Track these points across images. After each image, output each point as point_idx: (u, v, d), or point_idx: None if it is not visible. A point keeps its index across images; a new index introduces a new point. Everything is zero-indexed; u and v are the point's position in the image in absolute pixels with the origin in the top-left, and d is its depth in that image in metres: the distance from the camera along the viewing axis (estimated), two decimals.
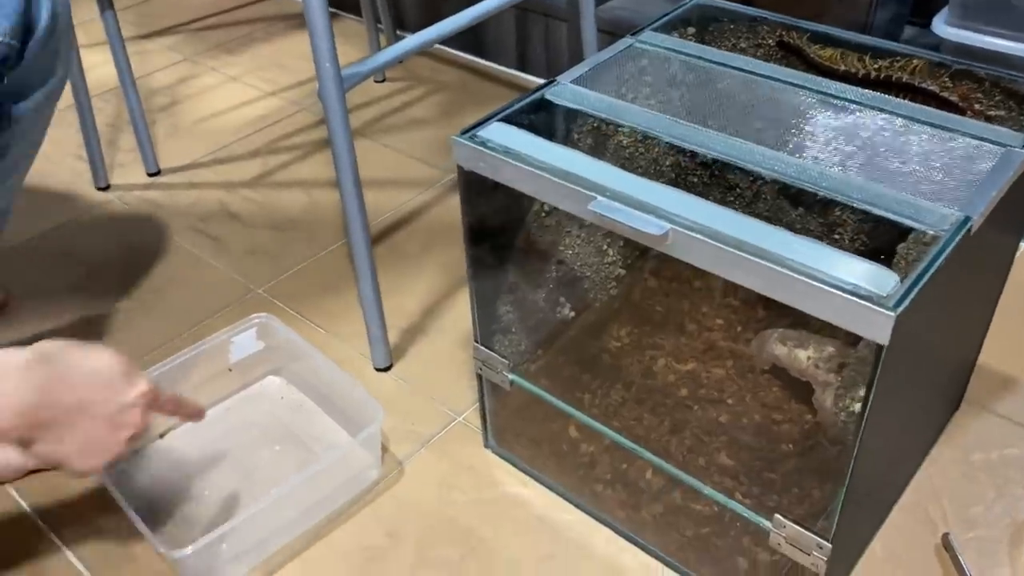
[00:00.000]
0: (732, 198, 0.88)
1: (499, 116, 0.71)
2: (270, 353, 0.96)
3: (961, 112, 0.73)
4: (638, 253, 0.91)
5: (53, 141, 1.41)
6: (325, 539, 0.82)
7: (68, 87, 1.23)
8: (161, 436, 0.91)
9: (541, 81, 0.77)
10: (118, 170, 1.34)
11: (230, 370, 0.94)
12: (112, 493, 0.78)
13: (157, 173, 1.33)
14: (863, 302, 0.52)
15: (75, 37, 0.85)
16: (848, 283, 0.54)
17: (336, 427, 0.91)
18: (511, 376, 0.82)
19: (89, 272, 1.14)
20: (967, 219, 0.58)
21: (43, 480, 0.87)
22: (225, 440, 0.90)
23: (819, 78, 0.76)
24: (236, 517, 0.75)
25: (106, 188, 1.30)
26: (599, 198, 0.62)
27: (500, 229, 0.80)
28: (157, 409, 0.70)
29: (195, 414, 0.78)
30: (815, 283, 0.54)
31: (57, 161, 1.36)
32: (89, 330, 1.05)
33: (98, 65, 1.56)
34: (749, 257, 0.56)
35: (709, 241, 0.57)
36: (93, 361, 0.65)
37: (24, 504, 0.85)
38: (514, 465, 0.88)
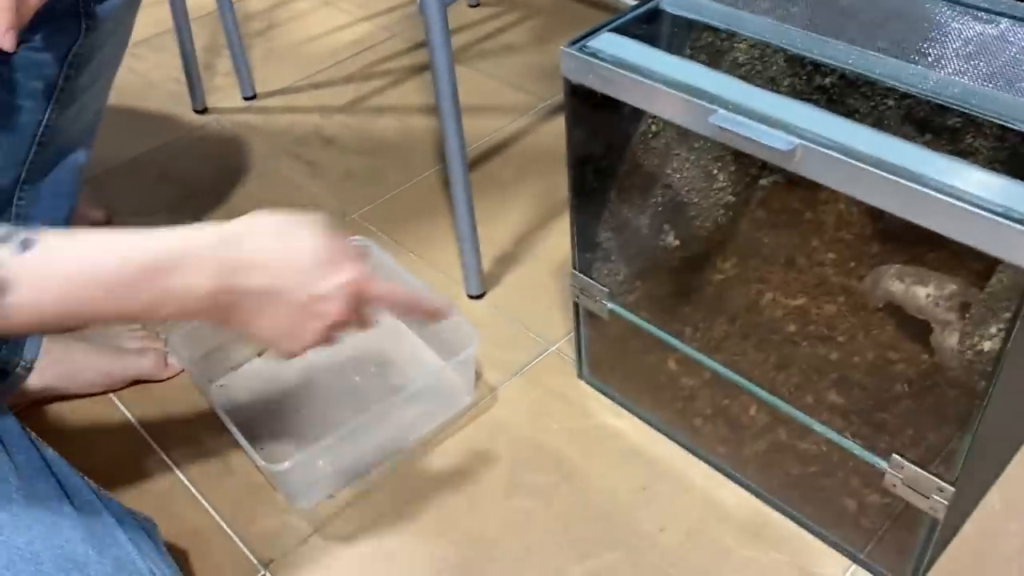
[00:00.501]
0: (862, 111, 0.82)
1: (610, 26, 0.67)
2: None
3: None
4: (749, 179, 0.86)
5: (152, 64, 1.43)
6: (419, 460, 0.81)
7: (168, 10, 1.24)
8: (260, 355, 0.91)
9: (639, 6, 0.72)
10: (215, 94, 1.34)
11: None
12: (213, 407, 0.79)
13: (253, 97, 1.33)
14: (1013, 224, 0.48)
15: None
16: (997, 205, 0.49)
17: (430, 351, 0.91)
18: (609, 305, 0.80)
19: (186, 193, 1.15)
20: None
21: (146, 393, 0.89)
22: (321, 361, 0.90)
23: None
24: (333, 435, 0.75)
25: (203, 111, 1.31)
26: (720, 111, 0.58)
27: (605, 150, 0.77)
28: (374, 303, 0.63)
29: (434, 313, 0.69)
30: (959, 203, 0.49)
31: (156, 84, 1.38)
32: None
33: None
34: (886, 175, 0.52)
35: (842, 158, 0.53)
36: (290, 244, 0.57)
37: (130, 416, 0.87)
38: (609, 397, 0.86)
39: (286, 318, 0.58)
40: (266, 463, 0.72)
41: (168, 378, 0.90)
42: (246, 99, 1.33)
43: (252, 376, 0.90)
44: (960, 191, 0.50)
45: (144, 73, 1.41)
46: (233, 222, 0.57)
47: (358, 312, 0.62)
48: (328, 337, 0.61)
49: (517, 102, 1.27)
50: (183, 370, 0.90)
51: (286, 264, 0.57)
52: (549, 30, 1.43)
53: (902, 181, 0.51)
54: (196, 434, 0.85)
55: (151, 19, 1.54)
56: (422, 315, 0.69)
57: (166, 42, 1.46)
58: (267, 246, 0.57)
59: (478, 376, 0.88)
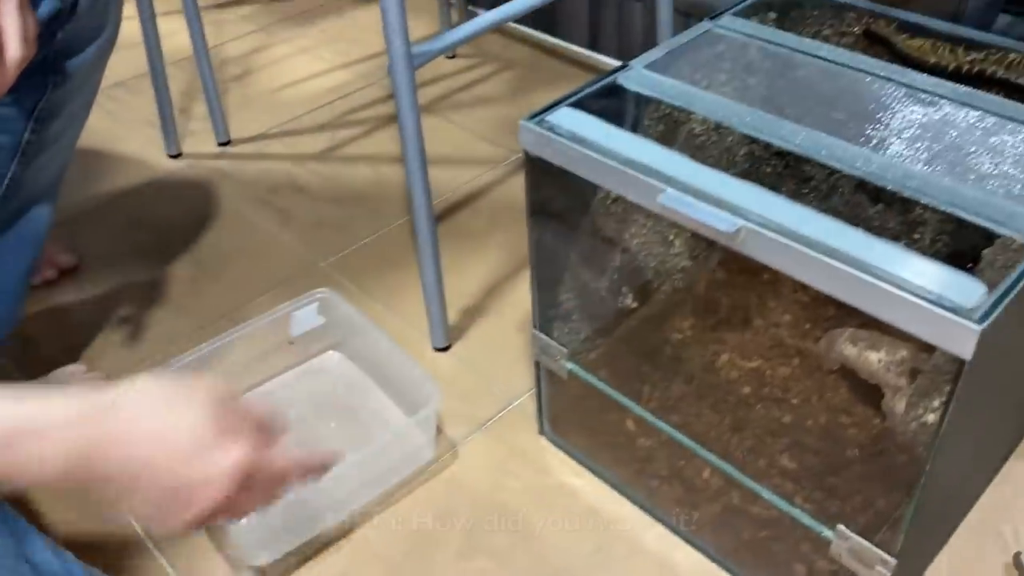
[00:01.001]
0: (807, 191, 0.85)
1: (568, 101, 0.69)
2: (331, 328, 0.96)
3: None
4: (705, 245, 0.88)
5: (127, 107, 1.44)
6: (376, 518, 0.82)
7: (143, 54, 1.25)
8: None
9: (613, 62, 0.75)
10: (189, 138, 1.35)
11: (291, 343, 0.95)
12: None
13: (228, 143, 1.34)
14: (946, 313, 0.50)
15: None
16: (931, 292, 0.51)
17: (393, 405, 0.91)
18: (569, 365, 0.81)
19: (158, 238, 1.16)
20: None
21: None
22: (286, 413, 0.91)
23: (907, 70, 0.72)
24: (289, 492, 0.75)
25: (177, 156, 1.32)
26: (668, 190, 0.59)
27: (564, 214, 0.78)
28: (269, 484, 0.57)
29: (317, 470, 0.63)
30: (894, 290, 0.51)
31: (130, 127, 1.39)
32: (155, 295, 1.07)
33: (174, 33, 1.58)
34: (825, 259, 0.54)
35: (782, 240, 0.55)
36: (169, 419, 0.52)
37: None
38: (568, 454, 0.87)
39: (158, 500, 0.53)
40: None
41: None
42: (220, 145, 1.34)
43: None
44: (896, 277, 0.52)
45: (119, 116, 1.42)
46: (113, 388, 0.52)
47: (255, 492, 0.56)
48: (205, 522, 0.54)
49: (489, 154, 1.29)
50: None
51: (159, 443, 0.51)
52: (524, 84, 1.45)
53: (841, 266, 0.53)
54: None
55: (128, 62, 1.55)
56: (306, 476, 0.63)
57: (142, 85, 1.47)
58: (141, 421, 0.51)
59: (439, 431, 0.89)
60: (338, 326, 0.96)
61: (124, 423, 0.51)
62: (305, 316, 0.95)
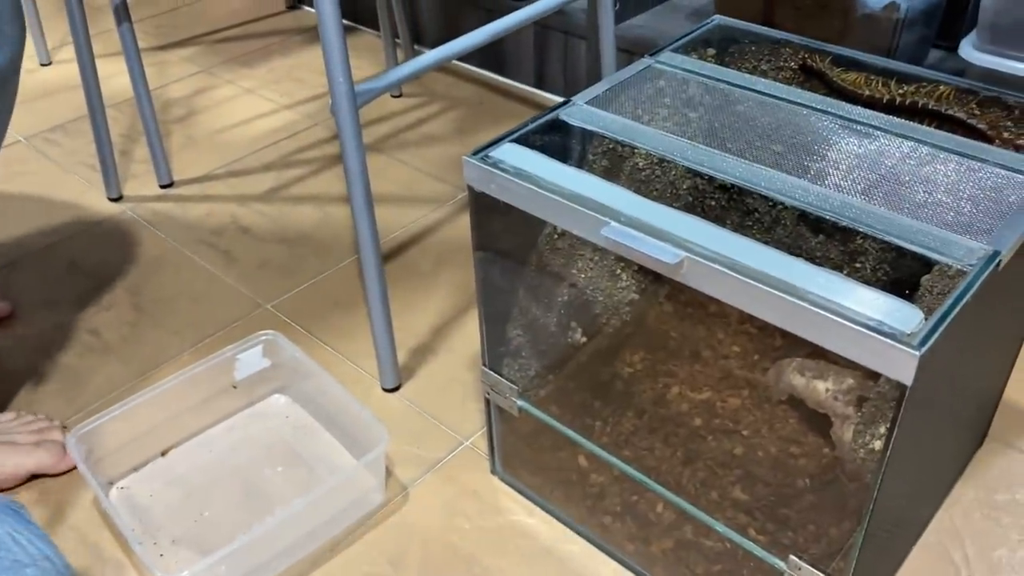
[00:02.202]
0: (750, 223, 0.86)
1: (512, 137, 0.69)
2: (276, 371, 0.95)
3: (989, 141, 0.71)
4: (652, 278, 0.88)
5: (66, 150, 1.41)
6: (326, 565, 0.80)
7: (82, 96, 1.23)
8: (163, 454, 0.89)
9: (558, 99, 0.75)
10: (130, 181, 1.33)
11: (235, 387, 0.93)
12: (109, 513, 0.76)
13: (170, 185, 1.32)
14: (886, 340, 0.50)
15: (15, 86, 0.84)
16: (871, 319, 0.52)
17: (341, 449, 0.89)
18: (519, 402, 0.80)
19: (97, 283, 1.13)
20: (996, 253, 0.56)
21: (43, 492, 0.86)
22: (228, 459, 0.89)
23: (842, 103, 0.74)
24: (235, 541, 0.73)
25: (118, 199, 1.29)
26: (612, 223, 0.60)
27: (511, 251, 0.78)
28: None
29: None
30: (835, 318, 0.52)
31: (69, 170, 1.36)
32: (95, 342, 1.04)
33: (113, 75, 1.56)
34: (766, 289, 0.54)
35: (725, 271, 0.55)
36: None
37: None
38: (521, 493, 0.86)
39: None
40: (161, 574, 0.70)
41: (66, 471, 0.87)
42: (163, 187, 1.32)
43: (155, 476, 0.87)
44: (837, 305, 0.53)
45: (58, 159, 1.39)
46: None
47: None
48: None
49: (436, 192, 1.29)
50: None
51: None
52: (470, 122, 1.46)
53: (783, 295, 0.53)
54: (92, 537, 0.82)
55: (67, 104, 1.53)
56: None
57: (82, 127, 1.45)
58: None
59: (389, 473, 0.87)
60: (284, 369, 0.94)
61: None
62: (249, 359, 0.93)
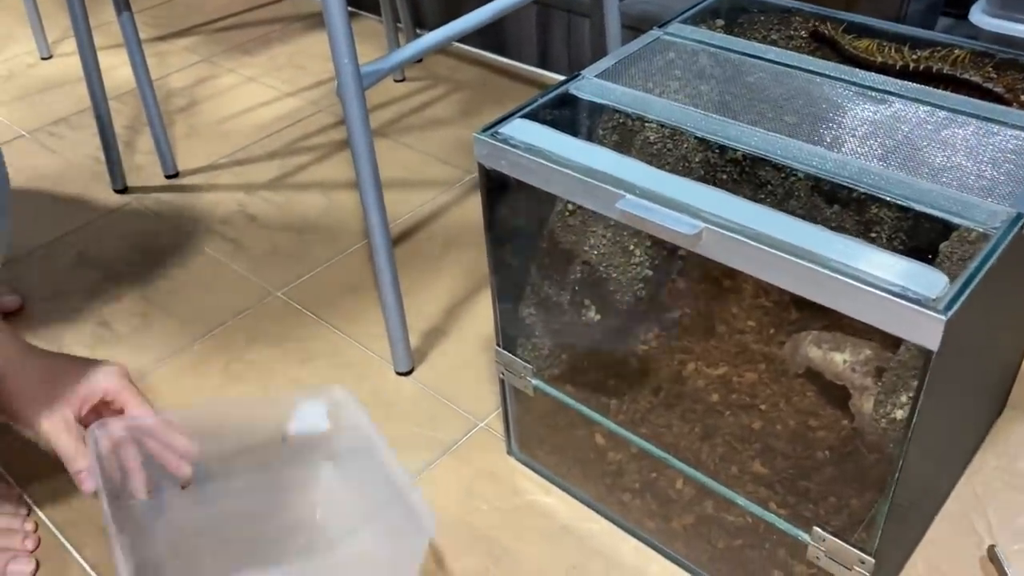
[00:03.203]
0: (763, 196, 0.85)
1: (521, 112, 0.68)
2: (333, 436, 0.81)
3: (1007, 104, 0.70)
4: (666, 253, 0.88)
5: (70, 143, 1.40)
6: None
7: (83, 89, 1.22)
8: (183, 488, 0.79)
9: (563, 78, 0.74)
10: (136, 172, 1.32)
11: (284, 440, 0.80)
12: (112, 543, 0.67)
13: (175, 175, 1.32)
14: (912, 305, 0.49)
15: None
16: (895, 285, 0.51)
17: (370, 531, 0.76)
18: (534, 381, 0.80)
19: (106, 275, 1.13)
20: (1020, 216, 0.55)
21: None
22: (250, 519, 0.79)
23: (855, 70, 0.73)
24: None
25: (124, 191, 1.29)
26: (627, 196, 0.59)
27: (522, 229, 0.77)
28: None
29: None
30: (859, 284, 0.51)
31: (74, 163, 1.35)
32: (105, 334, 1.03)
33: (115, 67, 1.55)
34: (788, 257, 0.53)
35: (745, 240, 0.54)
36: None
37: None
38: (538, 472, 0.85)
39: None
40: None
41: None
42: (168, 177, 1.31)
43: (170, 513, 0.78)
44: (859, 271, 0.52)
45: (62, 152, 1.38)
46: None
47: None
48: None
49: (443, 176, 1.28)
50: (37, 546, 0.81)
51: None
52: (474, 104, 1.45)
53: (803, 262, 0.53)
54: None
55: (69, 97, 1.52)
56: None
57: (85, 120, 1.44)
58: None
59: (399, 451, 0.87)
60: (341, 434, 0.80)
61: None
62: (311, 414, 0.80)
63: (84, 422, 0.76)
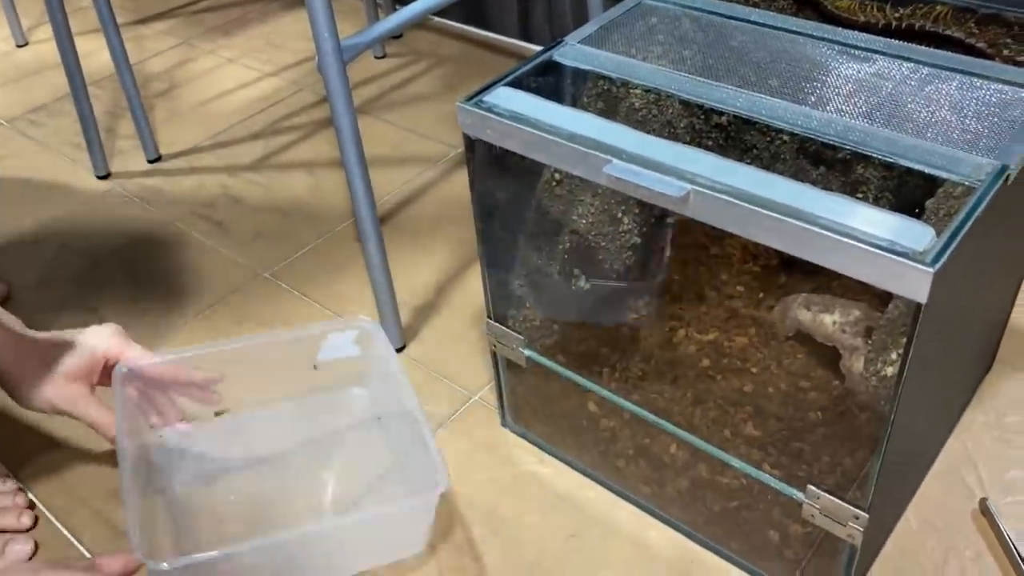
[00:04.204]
0: (749, 160, 0.85)
1: (505, 80, 0.68)
2: (361, 363, 0.85)
3: (989, 58, 0.70)
4: (654, 221, 0.87)
5: (50, 130, 1.39)
6: None
7: (61, 75, 1.21)
8: (217, 414, 0.84)
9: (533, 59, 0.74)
10: (118, 157, 1.31)
11: (315, 368, 0.85)
12: (122, 482, 0.69)
13: (158, 159, 1.30)
14: (899, 259, 0.49)
15: None
16: (882, 239, 0.51)
17: (397, 479, 0.80)
18: (526, 352, 0.80)
19: (92, 262, 1.12)
20: (1004, 168, 0.55)
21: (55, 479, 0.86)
22: (279, 443, 0.83)
23: (838, 29, 0.72)
24: (237, 545, 0.66)
25: (106, 176, 1.27)
26: (614, 161, 0.59)
27: (510, 200, 0.77)
28: None
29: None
30: (847, 240, 0.51)
31: (55, 151, 1.34)
32: (93, 320, 1.03)
33: (93, 52, 1.53)
34: (775, 216, 0.53)
35: (732, 200, 0.54)
36: None
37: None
38: (533, 443, 0.86)
39: None
40: (142, 555, 0.63)
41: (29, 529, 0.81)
42: (150, 162, 1.30)
43: (200, 439, 0.82)
44: (847, 227, 0.52)
45: (43, 140, 1.37)
46: None
47: None
48: None
49: (429, 151, 1.28)
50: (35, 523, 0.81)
51: None
52: (457, 78, 1.44)
53: (790, 220, 0.53)
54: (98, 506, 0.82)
55: (47, 84, 1.50)
56: None
57: (64, 107, 1.43)
58: None
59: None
60: (370, 362, 0.84)
61: None
62: (339, 342, 0.84)
63: (102, 385, 0.80)
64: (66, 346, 0.77)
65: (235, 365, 0.82)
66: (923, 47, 0.69)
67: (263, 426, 0.84)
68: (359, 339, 0.84)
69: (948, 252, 0.50)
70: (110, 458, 0.85)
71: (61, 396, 0.76)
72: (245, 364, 0.82)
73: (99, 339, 0.78)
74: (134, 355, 0.79)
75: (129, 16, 1.70)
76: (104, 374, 0.79)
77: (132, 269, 1.10)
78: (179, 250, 1.13)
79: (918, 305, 0.50)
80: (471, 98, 0.66)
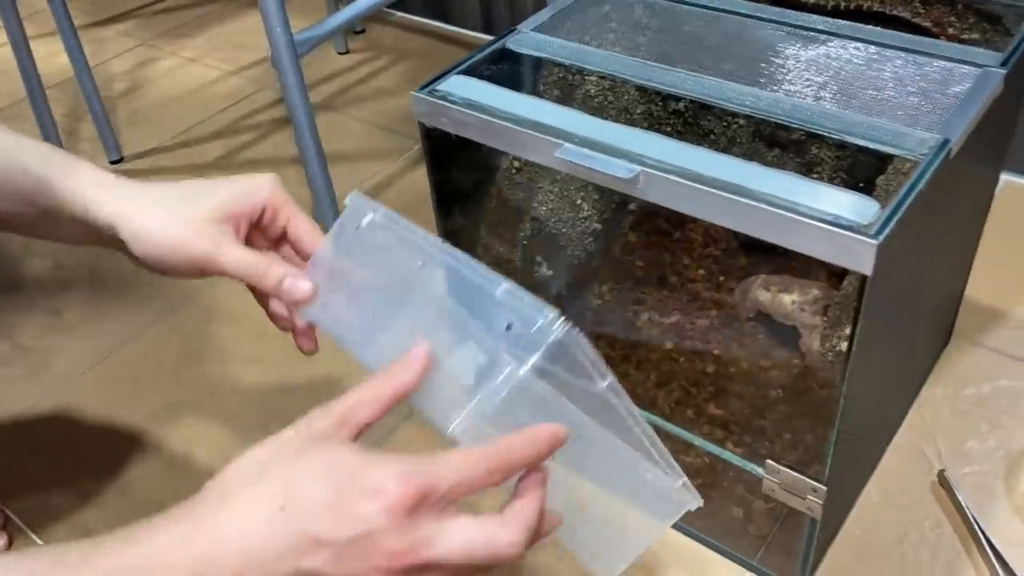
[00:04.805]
0: (707, 145, 0.85)
1: (459, 69, 0.68)
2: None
3: (935, 36, 0.71)
4: (614, 206, 0.88)
5: None
6: None
7: (18, 79, 1.20)
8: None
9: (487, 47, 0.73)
10: None
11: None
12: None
13: (120, 160, 1.30)
14: (844, 232, 0.50)
15: None
16: (828, 214, 0.52)
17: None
18: None
19: (54, 264, 1.11)
20: (946, 142, 0.56)
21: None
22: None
23: (788, 11, 0.73)
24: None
25: None
26: (566, 144, 0.59)
27: (470, 189, 0.77)
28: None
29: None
30: (793, 215, 0.52)
31: None
32: (57, 323, 1.02)
33: (51, 55, 1.51)
34: (723, 194, 0.54)
35: (681, 181, 0.55)
36: (292, 501, 0.41)
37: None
38: None
39: None
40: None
41: None
42: (113, 163, 1.29)
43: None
44: (794, 203, 0.53)
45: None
46: (204, 490, 0.42)
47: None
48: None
49: (392, 145, 1.28)
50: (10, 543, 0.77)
51: (286, 539, 0.39)
52: (420, 73, 1.44)
53: (739, 198, 0.53)
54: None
55: (3, 88, 1.48)
56: None
57: (22, 111, 1.41)
58: (253, 515, 0.40)
59: None
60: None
61: (237, 520, 0.40)
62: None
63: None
64: (217, 187, 0.56)
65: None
66: (871, 27, 0.70)
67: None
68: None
69: (892, 224, 0.51)
70: (82, 462, 0.85)
71: (203, 237, 0.53)
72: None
73: (263, 184, 0.57)
74: (303, 222, 0.58)
75: (87, 19, 1.68)
76: (255, 232, 0.57)
77: (95, 270, 1.09)
78: None
79: (864, 277, 0.51)
80: (425, 87, 0.66)
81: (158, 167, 1.27)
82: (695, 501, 0.52)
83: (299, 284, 0.53)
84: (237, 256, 0.53)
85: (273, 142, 1.31)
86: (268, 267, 0.53)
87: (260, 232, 0.57)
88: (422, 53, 1.49)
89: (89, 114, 1.28)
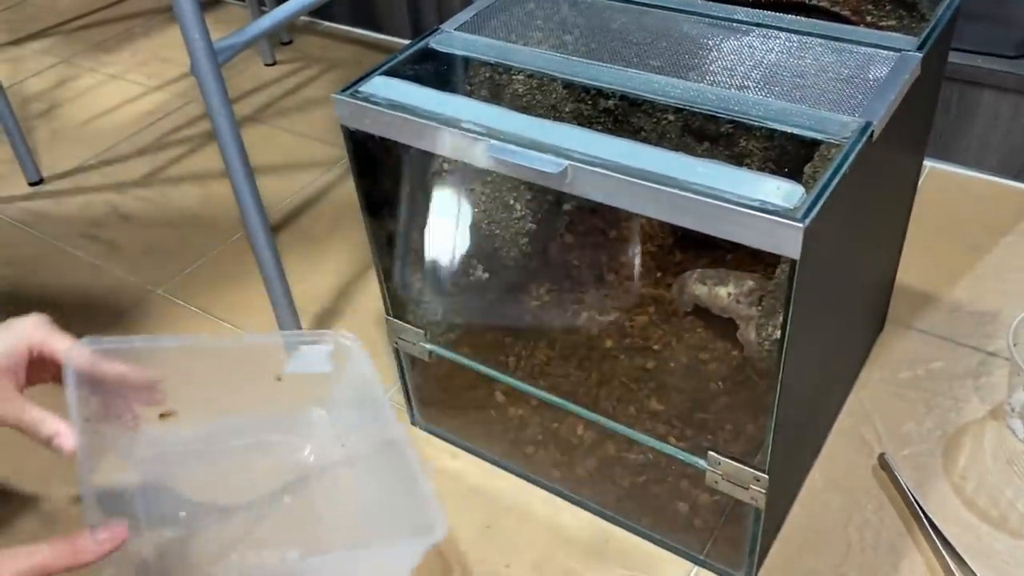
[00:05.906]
0: (637, 140, 0.85)
1: (381, 69, 0.67)
2: (332, 381, 0.73)
3: (854, 24, 0.72)
4: (547, 206, 0.88)
5: None
6: None
7: None
8: (161, 416, 0.69)
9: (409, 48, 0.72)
10: None
11: (278, 379, 0.72)
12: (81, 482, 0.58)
13: (39, 182, 1.25)
14: (771, 217, 0.50)
15: None
16: (754, 200, 0.52)
17: (371, 518, 0.67)
18: (429, 346, 0.79)
19: None
20: (868, 124, 0.57)
21: None
22: (231, 464, 0.71)
23: (712, 3, 0.74)
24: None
25: None
26: (492, 142, 0.58)
27: (399, 193, 0.76)
28: None
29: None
30: (720, 203, 0.52)
31: None
32: None
33: None
34: (652, 185, 0.53)
35: (609, 174, 0.55)
36: None
37: None
38: (443, 439, 0.85)
39: None
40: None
41: None
42: (32, 184, 1.24)
43: (139, 439, 0.68)
44: (720, 191, 0.53)
45: None
46: None
47: None
48: None
49: (323, 156, 1.26)
50: None
51: None
52: (350, 80, 1.42)
53: (666, 188, 0.53)
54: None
55: None
56: None
57: None
58: None
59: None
60: (340, 383, 0.73)
61: None
62: (311, 355, 0.72)
63: (31, 382, 0.64)
64: None
65: (188, 362, 0.69)
66: (792, 16, 0.71)
67: (216, 443, 0.72)
68: (334, 355, 0.72)
69: (818, 207, 0.51)
70: (41, 481, 0.81)
71: None
72: (202, 365, 0.69)
73: (21, 331, 0.63)
74: (63, 346, 0.64)
75: (3, 37, 1.63)
76: (32, 371, 0.64)
77: (17, 297, 1.05)
78: (67, 273, 1.08)
79: (793, 262, 0.51)
80: (347, 89, 0.65)
81: (81, 187, 1.23)
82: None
83: (66, 443, 0.60)
84: (13, 415, 0.61)
85: (201, 156, 1.28)
86: (41, 423, 0.60)
87: (40, 365, 0.64)
88: (351, 62, 1.47)
89: (5, 135, 1.23)
